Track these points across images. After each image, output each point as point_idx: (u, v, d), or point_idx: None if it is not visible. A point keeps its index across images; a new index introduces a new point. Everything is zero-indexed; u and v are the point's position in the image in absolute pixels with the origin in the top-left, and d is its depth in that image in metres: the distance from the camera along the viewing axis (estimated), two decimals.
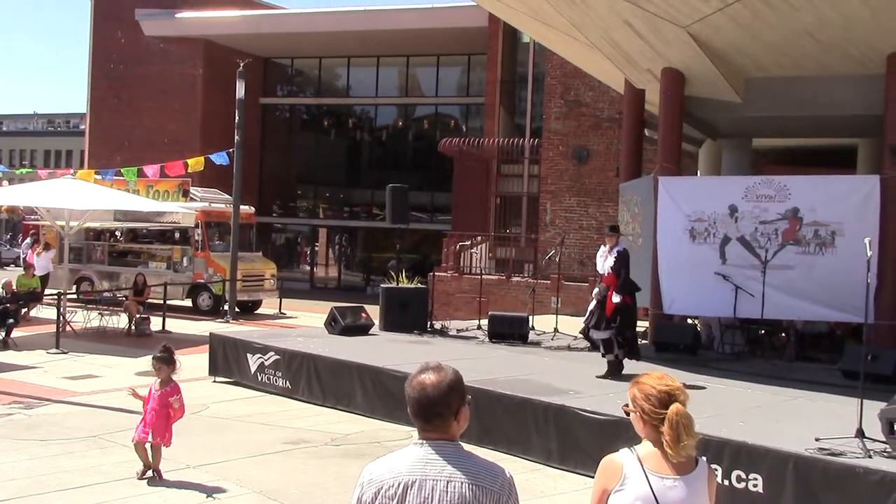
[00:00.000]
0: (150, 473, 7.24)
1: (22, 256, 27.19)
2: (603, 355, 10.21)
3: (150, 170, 22.55)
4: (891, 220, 11.39)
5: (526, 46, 27.90)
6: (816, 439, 6.68)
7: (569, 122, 23.50)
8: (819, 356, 12.45)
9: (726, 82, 13.24)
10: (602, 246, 10.59)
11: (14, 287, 17.35)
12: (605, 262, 10.27)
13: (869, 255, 7.33)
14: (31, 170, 29.25)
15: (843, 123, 14.57)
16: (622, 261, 10.10)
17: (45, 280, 20.89)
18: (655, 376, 3.06)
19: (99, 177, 22.58)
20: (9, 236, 60.56)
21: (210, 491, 7.02)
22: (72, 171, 26.35)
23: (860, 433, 6.63)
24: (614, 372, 9.96)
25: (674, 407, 2.91)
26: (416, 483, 2.55)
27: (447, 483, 2.54)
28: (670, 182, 13.00)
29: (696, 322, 14.12)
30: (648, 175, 14.46)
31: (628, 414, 3.07)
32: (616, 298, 9.94)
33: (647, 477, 2.88)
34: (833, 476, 6.31)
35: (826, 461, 6.37)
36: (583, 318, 10.79)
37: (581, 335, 11.22)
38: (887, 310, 11.41)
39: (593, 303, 10.39)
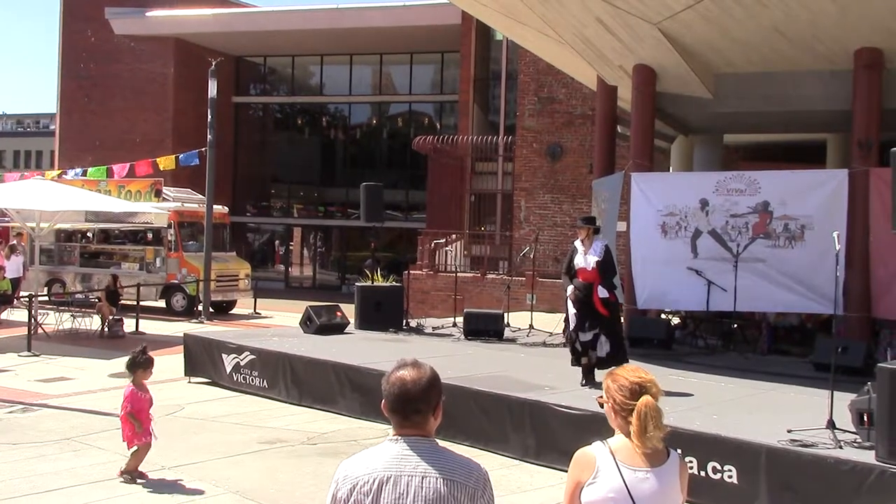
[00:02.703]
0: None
1: None
2: (590, 358, 9.25)
3: (119, 168, 22.35)
4: (859, 214, 11.55)
5: (499, 44, 27.97)
6: (788, 431, 6.77)
7: (542, 119, 23.60)
8: (791, 349, 12.61)
9: (697, 79, 13.35)
10: (577, 240, 9.53)
11: None
12: (584, 256, 9.23)
13: (838, 248, 7.43)
14: None
15: (812, 119, 14.74)
16: (609, 255, 9.33)
17: (16, 283, 20.65)
18: (630, 369, 3.10)
19: (67, 176, 22.34)
20: None
21: (187, 492, 6.99)
22: (41, 174, 26.02)
23: (831, 424, 6.72)
24: (613, 363, 8.85)
25: (643, 399, 2.94)
26: (391, 479, 2.56)
27: (422, 479, 2.55)
28: (643, 178, 13.11)
29: (670, 316, 14.24)
30: (621, 172, 14.56)
31: (602, 406, 3.10)
32: (603, 293, 9.14)
33: (619, 469, 2.91)
34: (805, 466, 6.40)
35: (798, 452, 6.46)
36: (561, 319, 10.24)
37: (567, 343, 10.20)
38: (856, 302, 11.57)
39: (572, 309, 9.34)
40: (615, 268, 9.65)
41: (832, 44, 11.92)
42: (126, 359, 7.57)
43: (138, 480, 7.20)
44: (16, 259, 21.27)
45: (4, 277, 19.05)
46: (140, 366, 7.36)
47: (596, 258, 9.19)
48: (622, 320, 9.97)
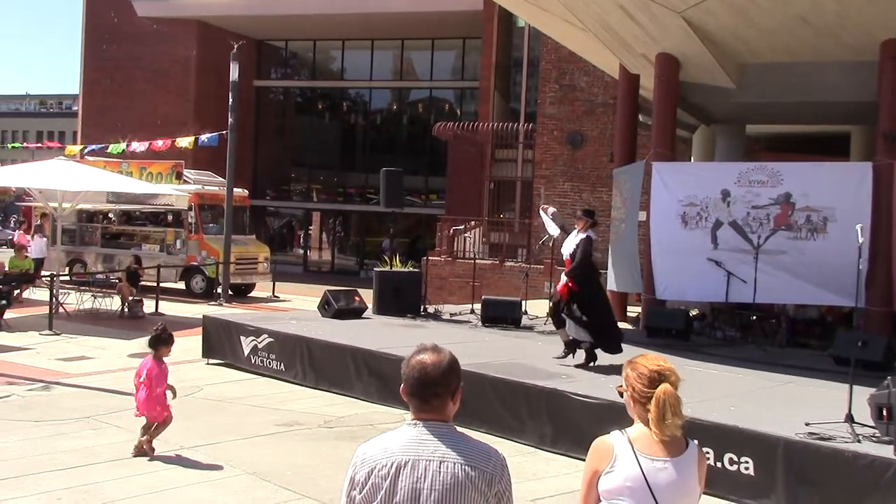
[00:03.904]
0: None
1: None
2: (575, 343, 9.74)
3: (139, 146, 22.50)
4: (883, 207, 11.44)
5: (521, 31, 27.81)
6: (806, 424, 6.74)
7: (563, 106, 23.48)
8: (810, 342, 12.54)
9: (721, 68, 13.25)
10: (574, 230, 9.92)
11: (6, 268, 17.31)
12: (570, 246, 9.72)
13: (861, 241, 7.37)
14: (19, 145, 29.09)
15: (836, 110, 14.60)
16: (583, 246, 9.58)
17: (39, 264, 20.87)
18: (650, 357, 3.09)
19: (91, 158, 22.52)
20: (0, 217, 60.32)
21: (204, 472, 7.05)
22: (61, 145, 26.25)
23: (850, 418, 6.68)
24: (584, 355, 9.65)
25: (662, 386, 2.94)
26: (409, 463, 2.56)
27: (440, 463, 2.56)
28: (663, 167, 13.04)
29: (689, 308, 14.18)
30: (642, 160, 14.49)
31: (622, 394, 3.09)
32: (563, 279, 9.60)
33: (637, 458, 2.91)
34: (822, 460, 6.37)
35: (816, 445, 6.43)
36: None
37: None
38: (878, 296, 11.48)
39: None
40: (584, 259, 9.63)
41: (858, 34, 11.78)
42: (146, 338, 7.70)
43: (154, 455, 7.34)
44: (39, 240, 21.49)
45: (27, 257, 19.26)
46: (163, 342, 7.54)
47: (573, 245, 9.66)
48: (606, 312, 9.89)
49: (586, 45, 16.30)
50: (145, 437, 7.42)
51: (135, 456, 7.33)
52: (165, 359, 7.64)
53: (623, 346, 9.71)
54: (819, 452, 6.39)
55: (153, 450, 7.40)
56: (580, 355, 9.75)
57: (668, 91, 13.67)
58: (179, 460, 7.34)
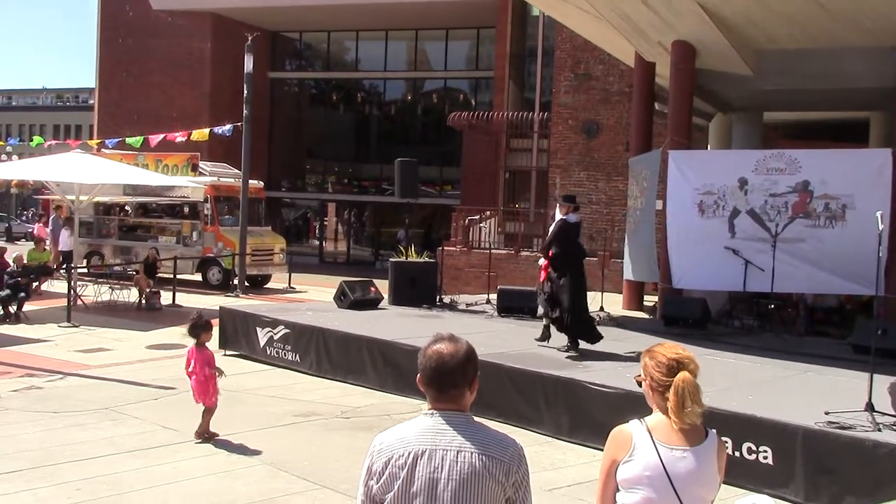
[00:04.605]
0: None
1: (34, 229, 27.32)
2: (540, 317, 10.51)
3: (155, 139, 22.58)
4: None
5: (535, 20, 27.70)
6: (826, 413, 6.69)
7: (578, 95, 23.38)
8: (829, 331, 12.44)
9: (737, 55, 13.13)
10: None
11: (25, 261, 17.43)
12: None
13: (881, 228, 7.29)
14: (41, 139, 29.24)
15: (855, 96, 14.45)
16: (556, 228, 9.98)
17: (68, 257, 21.03)
18: (669, 345, 3.06)
19: (107, 150, 22.63)
20: (19, 210, 60.85)
21: (221, 462, 7.08)
22: (80, 142, 26.38)
23: (870, 407, 6.62)
24: (543, 335, 10.23)
25: (681, 374, 2.91)
26: (426, 453, 2.55)
27: (457, 453, 2.54)
28: (680, 156, 12.95)
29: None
30: (658, 149, 14.40)
31: (640, 384, 3.07)
32: (541, 261, 10.12)
33: (656, 447, 2.88)
34: (842, 449, 6.31)
35: (835, 434, 6.38)
36: (595, 298, 10.76)
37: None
38: None
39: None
40: (556, 239, 9.98)
41: (878, 19, 11.64)
42: (186, 328, 8.00)
43: (210, 440, 7.61)
44: (66, 233, 21.59)
45: (45, 249, 19.37)
46: (202, 328, 7.77)
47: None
48: (580, 300, 9.99)
49: (602, 33, 16.20)
50: (204, 422, 7.67)
51: (198, 442, 7.57)
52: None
53: (601, 337, 9.92)
54: (839, 441, 6.34)
55: (214, 434, 7.67)
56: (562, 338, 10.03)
57: (685, 79, 13.56)
58: (197, 451, 7.37)
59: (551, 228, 10.15)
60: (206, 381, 7.65)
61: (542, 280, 10.09)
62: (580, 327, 9.85)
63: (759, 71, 13.65)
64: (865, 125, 17.83)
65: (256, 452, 7.36)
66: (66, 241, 21.41)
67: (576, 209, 10.19)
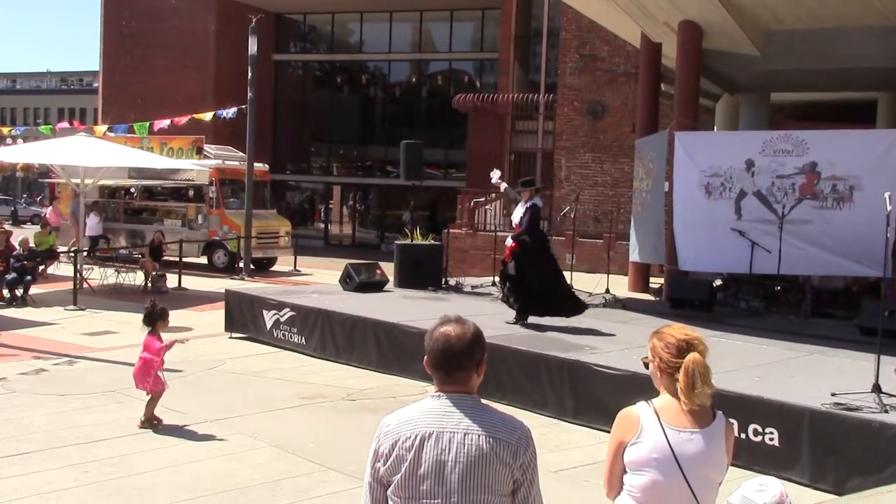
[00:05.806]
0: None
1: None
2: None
3: (160, 123, 22.55)
4: None
5: (540, 1, 27.53)
6: (832, 394, 6.67)
7: (584, 77, 23.27)
8: (835, 312, 12.41)
9: (744, 35, 13.03)
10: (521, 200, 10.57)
11: (31, 244, 17.46)
12: (518, 214, 10.42)
13: (889, 209, 7.24)
14: (50, 127, 29.21)
15: (863, 77, 14.35)
16: (530, 213, 10.21)
17: (95, 241, 21.09)
18: (677, 327, 3.04)
19: (112, 133, 22.59)
20: (25, 194, 60.95)
21: (228, 444, 7.10)
22: (85, 127, 26.34)
23: (877, 388, 6.60)
24: (519, 317, 10.36)
25: (691, 355, 2.89)
26: (433, 435, 2.54)
27: (464, 435, 2.53)
28: (686, 137, 12.88)
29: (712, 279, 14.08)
30: (664, 130, 14.33)
31: (647, 366, 3.05)
32: (508, 241, 10.35)
33: (663, 429, 2.87)
34: (849, 430, 6.30)
35: (842, 416, 6.36)
36: (601, 279, 10.82)
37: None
38: None
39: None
40: (532, 225, 10.28)
41: None
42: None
43: (159, 427, 7.47)
44: (95, 218, 21.61)
45: (51, 233, 19.40)
46: (158, 317, 7.67)
47: (520, 214, 10.28)
48: (541, 271, 10.28)
49: (607, 13, 16.09)
50: (148, 409, 7.56)
51: (141, 429, 7.43)
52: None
53: (586, 309, 10.39)
54: (845, 423, 6.33)
55: (159, 420, 7.53)
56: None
57: (691, 59, 13.48)
58: (204, 433, 7.39)
59: (522, 215, 10.26)
60: (144, 367, 7.53)
61: (506, 260, 10.32)
62: (526, 304, 10.22)
63: (766, 51, 13.55)
64: (873, 106, 17.72)
65: (263, 434, 7.37)
66: (93, 226, 21.45)
67: (537, 191, 10.63)
